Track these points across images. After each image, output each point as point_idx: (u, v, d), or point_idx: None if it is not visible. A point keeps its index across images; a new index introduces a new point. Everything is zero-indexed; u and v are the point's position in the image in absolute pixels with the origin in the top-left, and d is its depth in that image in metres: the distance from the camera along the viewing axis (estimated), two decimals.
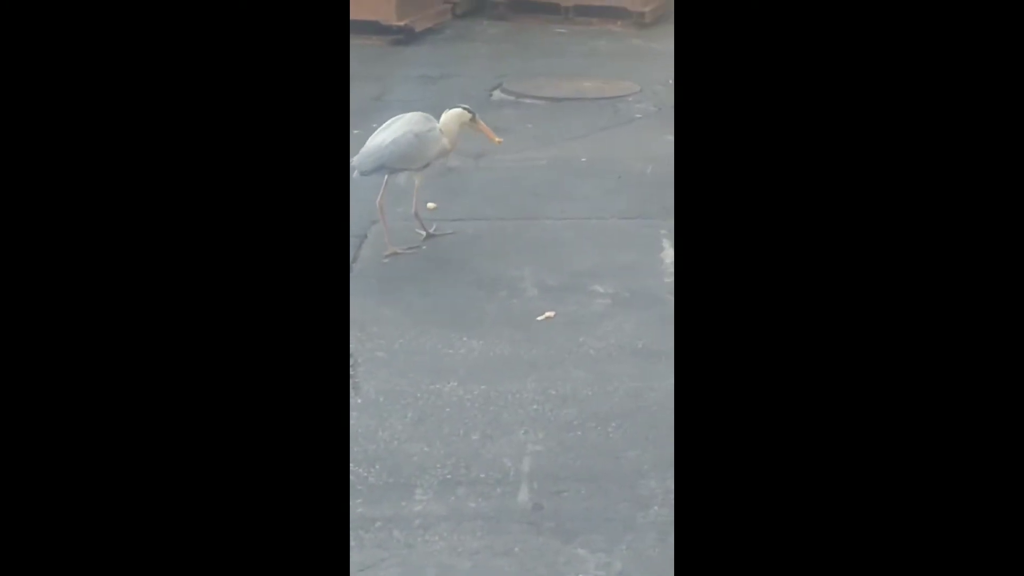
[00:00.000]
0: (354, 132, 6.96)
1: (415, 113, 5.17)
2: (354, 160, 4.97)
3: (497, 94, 7.50)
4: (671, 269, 4.79)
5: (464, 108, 5.18)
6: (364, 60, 8.37)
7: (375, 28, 8.56)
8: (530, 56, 8.46)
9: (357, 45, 8.64)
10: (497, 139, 5.29)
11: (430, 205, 5.36)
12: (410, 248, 5.07)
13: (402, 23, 8.69)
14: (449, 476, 3.45)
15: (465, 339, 4.29)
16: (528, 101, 7.37)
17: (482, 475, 3.45)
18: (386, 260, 4.98)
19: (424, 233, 5.17)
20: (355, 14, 8.42)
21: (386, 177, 5.05)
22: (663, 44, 8.70)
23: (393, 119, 5.15)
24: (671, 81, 7.53)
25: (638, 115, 7.12)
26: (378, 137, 5.06)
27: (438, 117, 5.14)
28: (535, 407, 3.82)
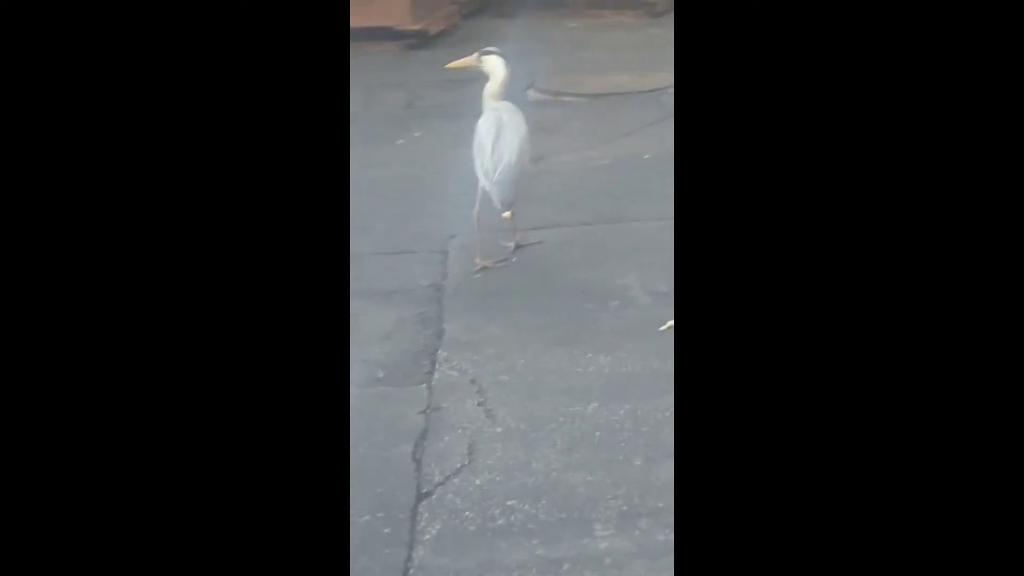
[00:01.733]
0: (397, 142, 6.73)
1: (508, 112, 4.81)
2: (493, 192, 4.66)
3: (532, 93, 7.20)
4: None
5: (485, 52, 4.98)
6: (384, 67, 8.10)
7: (389, 34, 8.29)
8: (552, 52, 8.16)
9: (372, 52, 8.39)
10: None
11: (506, 215, 5.05)
12: (500, 261, 4.80)
13: (416, 27, 8.41)
14: (625, 507, 3.19)
15: (590, 355, 4.03)
16: (567, 99, 7.12)
17: (660, 504, 3.18)
18: (477, 275, 4.71)
19: (511, 244, 4.89)
20: (367, 20, 8.19)
21: (481, 186, 4.75)
22: None
23: (494, 128, 4.72)
24: None
25: None
26: (501, 156, 4.66)
27: (474, 126, 4.83)
28: None
